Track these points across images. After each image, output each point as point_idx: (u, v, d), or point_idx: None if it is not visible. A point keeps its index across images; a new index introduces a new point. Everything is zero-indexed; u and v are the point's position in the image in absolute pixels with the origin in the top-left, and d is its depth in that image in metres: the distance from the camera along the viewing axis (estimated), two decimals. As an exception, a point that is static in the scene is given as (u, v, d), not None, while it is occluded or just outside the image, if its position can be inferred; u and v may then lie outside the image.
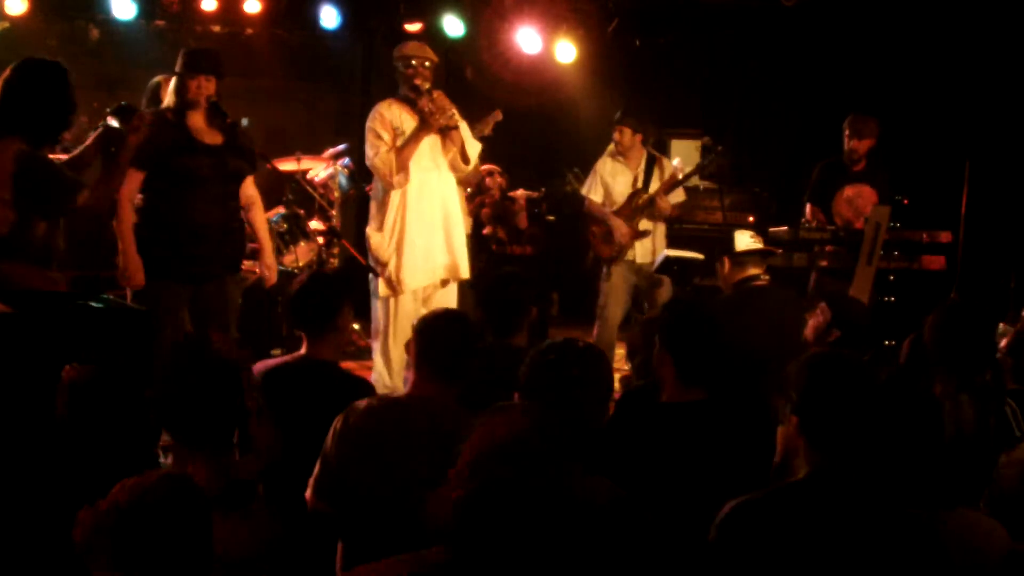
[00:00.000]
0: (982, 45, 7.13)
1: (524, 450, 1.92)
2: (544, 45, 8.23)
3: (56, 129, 3.91)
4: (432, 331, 3.08)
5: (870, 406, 2.32)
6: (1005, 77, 7.09)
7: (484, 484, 1.87)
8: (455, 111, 5.60)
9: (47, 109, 3.85)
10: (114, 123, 4.21)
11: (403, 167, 5.50)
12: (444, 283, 5.72)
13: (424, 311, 5.60)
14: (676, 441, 2.94)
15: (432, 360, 3.03)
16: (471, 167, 5.81)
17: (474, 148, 5.73)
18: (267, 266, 5.27)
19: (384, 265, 5.56)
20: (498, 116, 6.73)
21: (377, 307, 5.66)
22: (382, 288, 5.57)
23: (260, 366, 3.58)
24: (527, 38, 8.17)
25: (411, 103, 5.54)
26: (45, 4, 7.58)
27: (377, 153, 5.52)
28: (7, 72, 3.87)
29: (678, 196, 6.72)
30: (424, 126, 5.47)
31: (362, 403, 3.05)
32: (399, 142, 5.50)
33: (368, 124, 5.60)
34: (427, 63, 5.54)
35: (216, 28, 8.31)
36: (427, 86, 5.49)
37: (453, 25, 8.18)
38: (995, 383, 3.54)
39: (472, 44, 8.53)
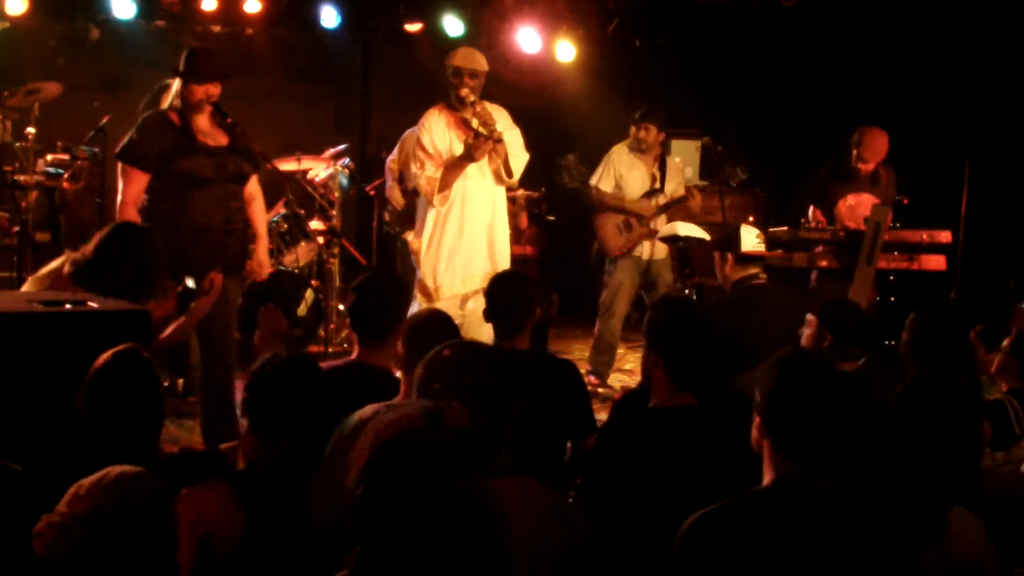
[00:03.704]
0: (982, 46, 7.13)
1: (413, 448, 1.87)
2: (544, 45, 8.23)
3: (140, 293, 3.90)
4: (421, 334, 3.05)
5: (835, 408, 2.26)
6: (1005, 77, 7.09)
7: (374, 484, 1.82)
8: (505, 119, 5.55)
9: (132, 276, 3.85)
10: (190, 283, 4.31)
11: (445, 187, 5.45)
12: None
13: (464, 316, 5.55)
14: (666, 447, 2.90)
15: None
16: (514, 180, 5.71)
17: (519, 161, 5.61)
18: (258, 262, 5.23)
19: (422, 271, 5.53)
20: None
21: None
22: (419, 295, 5.52)
23: None
24: (527, 38, 8.17)
25: (458, 112, 5.48)
26: (45, 4, 7.57)
27: (423, 170, 5.47)
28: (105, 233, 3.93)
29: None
30: (467, 157, 5.38)
31: (353, 416, 3.01)
32: (443, 153, 5.44)
33: (418, 134, 5.55)
34: (474, 74, 5.44)
35: (216, 28, 8.31)
36: (472, 98, 5.40)
37: (453, 25, 8.18)
38: (970, 383, 3.55)
39: (472, 44, 8.51)
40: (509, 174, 5.58)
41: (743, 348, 4.00)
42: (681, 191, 6.65)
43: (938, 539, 2.44)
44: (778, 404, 2.27)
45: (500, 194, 5.65)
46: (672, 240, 6.40)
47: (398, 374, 3.56)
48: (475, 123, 5.39)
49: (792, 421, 2.25)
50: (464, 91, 5.41)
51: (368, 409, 3.05)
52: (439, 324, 3.19)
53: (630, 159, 6.66)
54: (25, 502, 2.35)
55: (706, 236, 6.44)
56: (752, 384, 2.38)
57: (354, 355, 3.58)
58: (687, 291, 6.88)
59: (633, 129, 6.63)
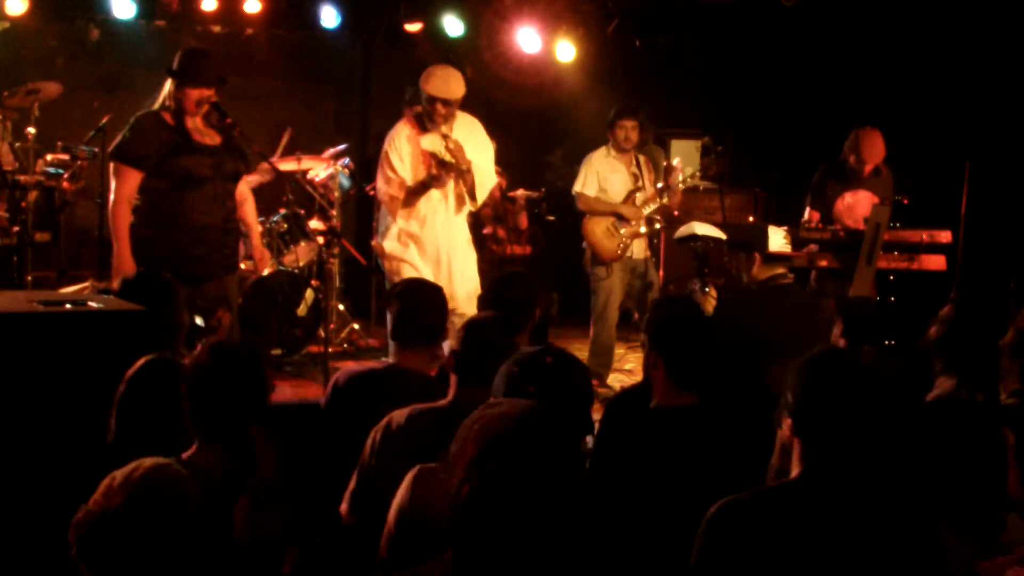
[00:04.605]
0: (982, 45, 7.13)
1: (527, 441, 1.90)
2: (544, 45, 8.24)
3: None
4: (479, 336, 3.05)
5: (865, 409, 2.28)
6: (1005, 77, 7.09)
7: (491, 476, 1.85)
8: (478, 136, 5.57)
9: None
10: (199, 321, 4.33)
11: (408, 207, 5.51)
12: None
13: None
14: (667, 447, 2.91)
15: (472, 365, 3.00)
16: (478, 206, 5.75)
17: (485, 188, 5.64)
18: (258, 251, 5.28)
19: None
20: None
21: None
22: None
23: (345, 371, 3.62)
24: (527, 38, 8.17)
25: (427, 130, 5.50)
26: (45, 4, 7.57)
27: (388, 185, 5.52)
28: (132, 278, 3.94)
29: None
30: (427, 186, 5.44)
31: (403, 412, 3.03)
32: (407, 179, 5.47)
33: (385, 148, 5.57)
34: (448, 102, 5.40)
35: (216, 28, 8.31)
36: (444, 130, 5.42)
37: (453, 25, 8.18)
38: (992, 387, 3.54)
39: (472, 44, 8.52)
40: (474, 200, 5.60)
41: (762, 346, 4.02)
42: (652, 189, 6.65)
43: (995, 538, 2.45)
44: (809, 406, 2.29)
45: (457, 220, 5.66)
46: (690, 239, 6.39)
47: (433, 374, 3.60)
48: (447, 156, 5.39)
49: (823, 423, 2.27)
50: (438, 120, 5.41)
51: (414, 409, 3.07)
52: (496, 327, 3.19)
53: (609, 162, 6.66)
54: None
55: (722, 236, 6.44)
56: (780, 382, 2.39)
57: (392, 359, 3.60)
58: (706, 289, 6.86)
59: (618, 130, 6.60)
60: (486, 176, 5.64)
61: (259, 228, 5.40)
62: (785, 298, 4.80)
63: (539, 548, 1.81)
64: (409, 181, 5.48)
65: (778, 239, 4.95)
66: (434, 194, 5.53)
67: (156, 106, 4.85)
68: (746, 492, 2.29)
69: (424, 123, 5.52)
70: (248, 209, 5.25)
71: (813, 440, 2.29)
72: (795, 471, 2.32)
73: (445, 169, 5.45)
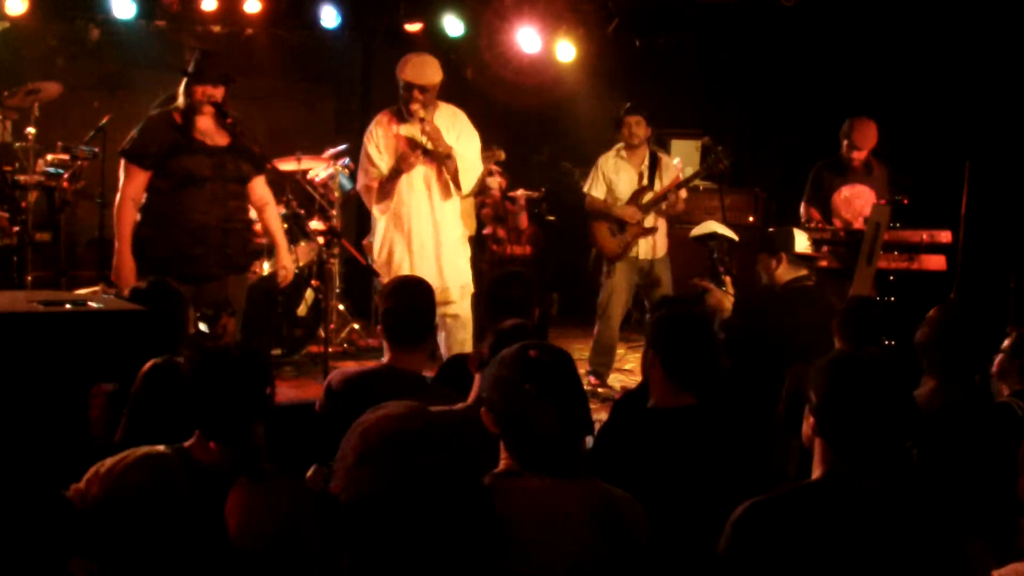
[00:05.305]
0: (982, 45, 7.13)
1: (405, 445, 1.86)
2: (544, 45, 8.23)
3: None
4: (500, 342, 3.04)
5: (889, 409, 2.27)
6: (1005, 77, 7.09)
7: (369, 482, 1.82)
8: (461, 126, 5.54)
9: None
10: (203, 327, 4.33)
11: (385, 198, 5.51)
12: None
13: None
14: (664, 447, 2.91)
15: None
16: (464, 194, 5.73)
17: (470, 176, 5.61)
18: (282, 266, 5.31)
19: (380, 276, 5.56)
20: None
21: None
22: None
23: (339, 372, 3.62)
24: (527, 38, 8.17)
25: (406, 123, 5.48)
26: (45, 4, 7.56)
27: (366, 175, 5.54)
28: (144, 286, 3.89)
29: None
30: (398, 171, 5.43)
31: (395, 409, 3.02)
32: (383, 168, 5.47)
33: (364, 140, 5.59)
34: (425, 88, 5.37)
35: (216, 28, 8.30)
36: (422, 114, 5.38)
37: (453, 25, 8.18)
38: (984, 387, 3.54)
39: (472, 44, 8.52)
40: (459, 188, 5.57)
41: (784, 346, 4.03)
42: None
43: (1012, 542, 2.44)
44: (833, 407, 2.28)
45: (448, 210, 5.62)
46: (709, 238, 6.38)
47: (427, 374, 3.58)
48: (424, 140, 5.38)
49: (847, 424, 2.27)
50: (414, 106, 5.37)
51: None
52: (524, 333, 3.19)
53: (616, 163, 6.67)
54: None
55: (734, 236, 6.45)
56: (800, 380, 2.38)
57: (386, 359, 3.59)
58: (724, 288, 6.85)
59: (624, 127, 6.60)
60: (471, 164, 5.60)
61: (285, 242, 5.36)
62: (808, 299, 4.81)
63: (427, 548, 1.77)
64: (386, 171, 5.47)
65: (803, 241, 4.96)
66: (418, 184, 5.50)
67: (173, 105, 4.91)
68: (772, 492, 2.29)
69: (403, 114, 5.48)
70: (270, 215, 5.24)
71: (837, 440, 2.28)
72: (817, 472, 2.31)
73: (421, 152, 5.42)
